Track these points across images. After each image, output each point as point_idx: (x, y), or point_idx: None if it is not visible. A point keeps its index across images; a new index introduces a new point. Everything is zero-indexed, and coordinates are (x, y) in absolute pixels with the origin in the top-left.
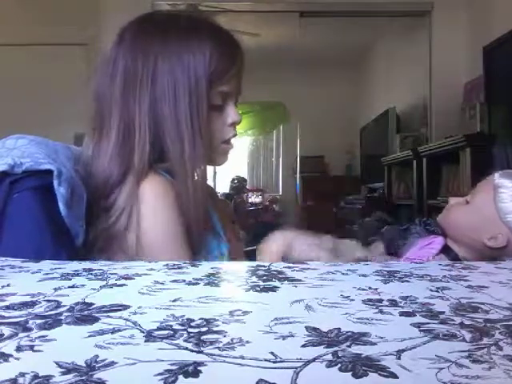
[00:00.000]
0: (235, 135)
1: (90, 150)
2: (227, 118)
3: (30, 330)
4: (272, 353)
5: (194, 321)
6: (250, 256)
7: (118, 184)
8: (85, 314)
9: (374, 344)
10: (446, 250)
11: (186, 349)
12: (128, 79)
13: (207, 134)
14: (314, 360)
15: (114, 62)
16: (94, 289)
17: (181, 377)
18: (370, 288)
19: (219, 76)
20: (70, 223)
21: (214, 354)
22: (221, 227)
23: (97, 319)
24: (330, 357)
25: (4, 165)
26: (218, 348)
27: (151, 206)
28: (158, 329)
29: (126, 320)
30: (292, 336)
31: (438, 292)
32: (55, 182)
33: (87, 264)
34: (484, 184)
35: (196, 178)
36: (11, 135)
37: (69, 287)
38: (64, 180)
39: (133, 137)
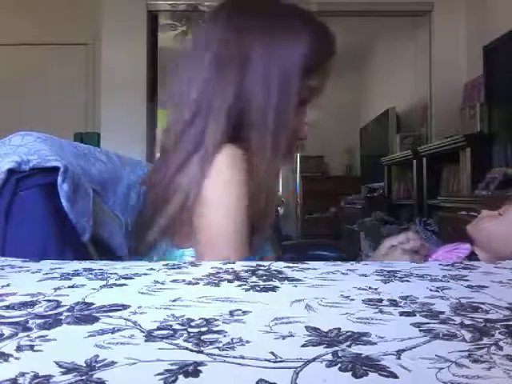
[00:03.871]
0: (306, 137)
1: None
2: (307, 116)
3: (29, 329)
4: (272, 353)
5: (194, 321)
6: None
7: (183, 162)
8: (85, 314)
9: (374, 344)
10: (472, 257)
11: (186, 349)
12: (217, 58)
13: (290, 129)
14: (313, 360)
15: (206, 40)
16: (93, 289)
17: (181, 377)
18: (370, 288)
19: (311, 69)
20: (75, 219)
21: (214, 354)
22: None
23: (97, 319)
24: (329, 357)
25: (11, 162)
26: (218, 348)
27: (222, 179)
28: (158, 329)
29: (126, 320)
30: (292, 336)
31: (438, 292)
32: (59, 179)
33: (87, 264)
34: None
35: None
36: (16, 132)
37: (69, 287)
38: (69, 177)
39: (208, 114)
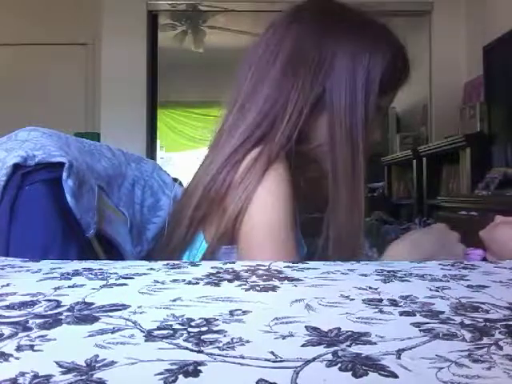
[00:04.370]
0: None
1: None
2: (371, 135)
3: (29, 329)
4: (272, 352)
5: (194, 320)
6: None
7: (239, 161)
8: (85, 314)
9: (374, 344)
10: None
11: (186, 348)
12: (297, 60)
13: (369, 142)
14: (313, 360)
15: (280, 42)
16: (93, 288)
17: (181, 376)
18: (370, 288)
19: (384, 89)
20: (79, 215)
21: (214, 354)
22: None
23: (97, 319)
24: (329, 356)
25: (17, 157)
26: (218, 348)
27: (270, 193)
28: (158, 328)
29: (126, 320)
30: (292, 336)
31: (438, 291)
32: (64, 174)
33: (87, 264)
34: None
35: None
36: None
37: (69, 287)
38: (73, 172)
39: (279, 118)
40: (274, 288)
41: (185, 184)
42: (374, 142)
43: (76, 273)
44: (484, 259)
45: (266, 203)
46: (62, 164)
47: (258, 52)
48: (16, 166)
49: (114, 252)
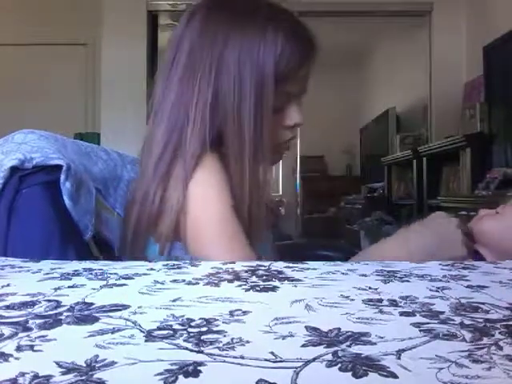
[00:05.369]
0: (294, 138)
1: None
2: (286, 120)
3: (30, 329)
4: (272, 353)
5: (194, 321)
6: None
7: (165, 173)
8: (85, 314)
9: (374, 344)
10: (475, 255)
11: (186, 349)
12: (190, 64)
13: (269, 135)
14: (313, 360)
15: (179, 44)
16: (94, 288)
17: (181, 377)
18: (370, 288)
19: (286, 75)
20: (77, 217)
21: (214, 354)
22: None
23: (97, 319)
24: (329, 357)
25: (14, 160)
26: (218, 348)
27: (204, 188)
28: (158, 329)
29: (126, 320)
30: (292, 336)
31: (438, 292)
32: (62, 177)
33: (87, 264)
34: None
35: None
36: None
37: (69, 287)
38: (71, 175)
39: (185, 125)
40: (273, 288)
41: None
42: (283, 137)
43: (76, 273)
44: (475, 252)
45: (201, 198)
46: (59, 166)
47: (166, 56)
48: (13, 169)
49: (111, 253)
